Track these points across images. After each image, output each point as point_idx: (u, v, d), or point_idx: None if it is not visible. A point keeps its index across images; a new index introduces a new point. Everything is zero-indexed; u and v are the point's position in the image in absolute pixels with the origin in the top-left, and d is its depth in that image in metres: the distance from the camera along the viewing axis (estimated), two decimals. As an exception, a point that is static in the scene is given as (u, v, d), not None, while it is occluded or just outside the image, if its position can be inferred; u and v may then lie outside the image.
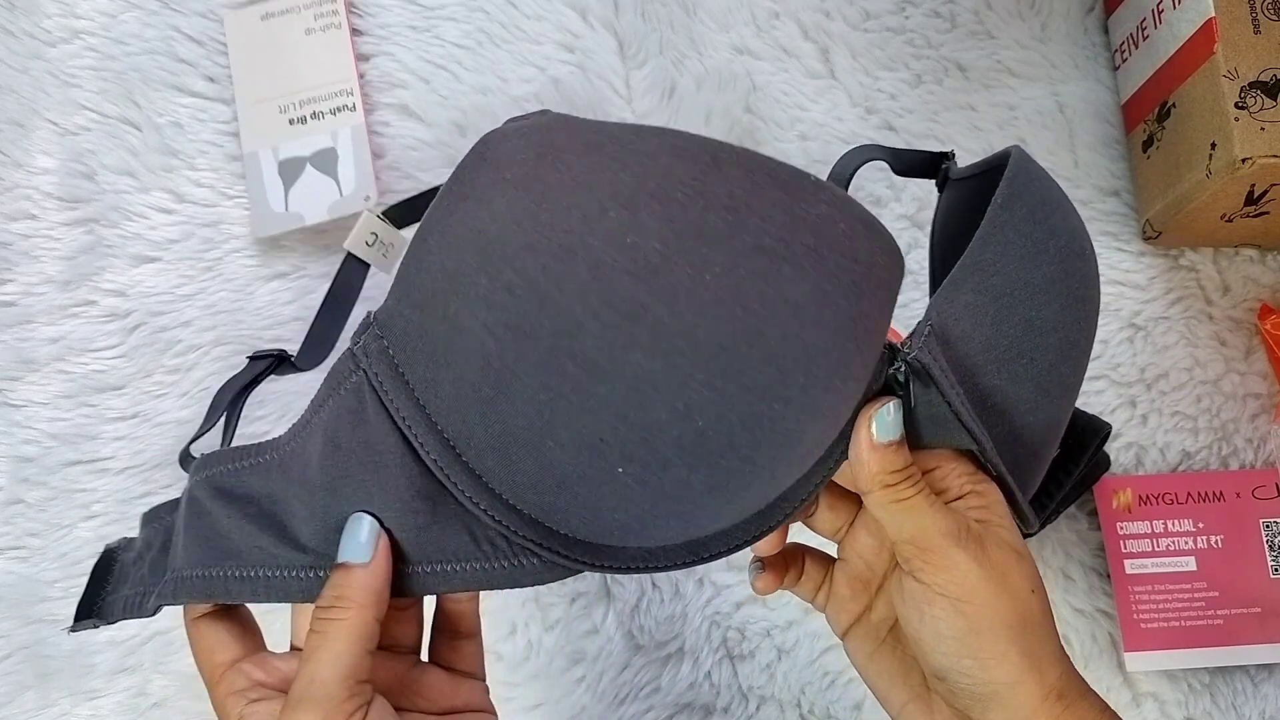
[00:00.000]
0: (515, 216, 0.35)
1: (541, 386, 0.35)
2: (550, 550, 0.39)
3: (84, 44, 0.67)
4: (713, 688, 0.61)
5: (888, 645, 0.45)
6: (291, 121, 0.65)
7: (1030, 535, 0.59)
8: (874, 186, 0.66)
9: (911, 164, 0.53)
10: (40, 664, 0.60)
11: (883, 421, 0.40)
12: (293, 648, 0.42)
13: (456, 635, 0.45)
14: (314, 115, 0.65)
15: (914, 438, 0.41)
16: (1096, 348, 0.65)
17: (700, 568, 0.62)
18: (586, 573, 0.45)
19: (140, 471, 0.62)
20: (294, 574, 0.40)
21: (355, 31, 0.67)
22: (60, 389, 0.63)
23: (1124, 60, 0.67)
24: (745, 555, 0.62)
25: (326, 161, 0.64)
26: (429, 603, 0.46)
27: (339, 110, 0.65)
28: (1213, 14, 0.57)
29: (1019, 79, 0.68)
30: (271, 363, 0.45)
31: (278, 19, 0.66)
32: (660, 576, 0.62)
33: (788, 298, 0.34)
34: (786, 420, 0.36)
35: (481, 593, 0.61)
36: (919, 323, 0.41)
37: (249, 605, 0.42)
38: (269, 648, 0.42)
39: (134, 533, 0.62)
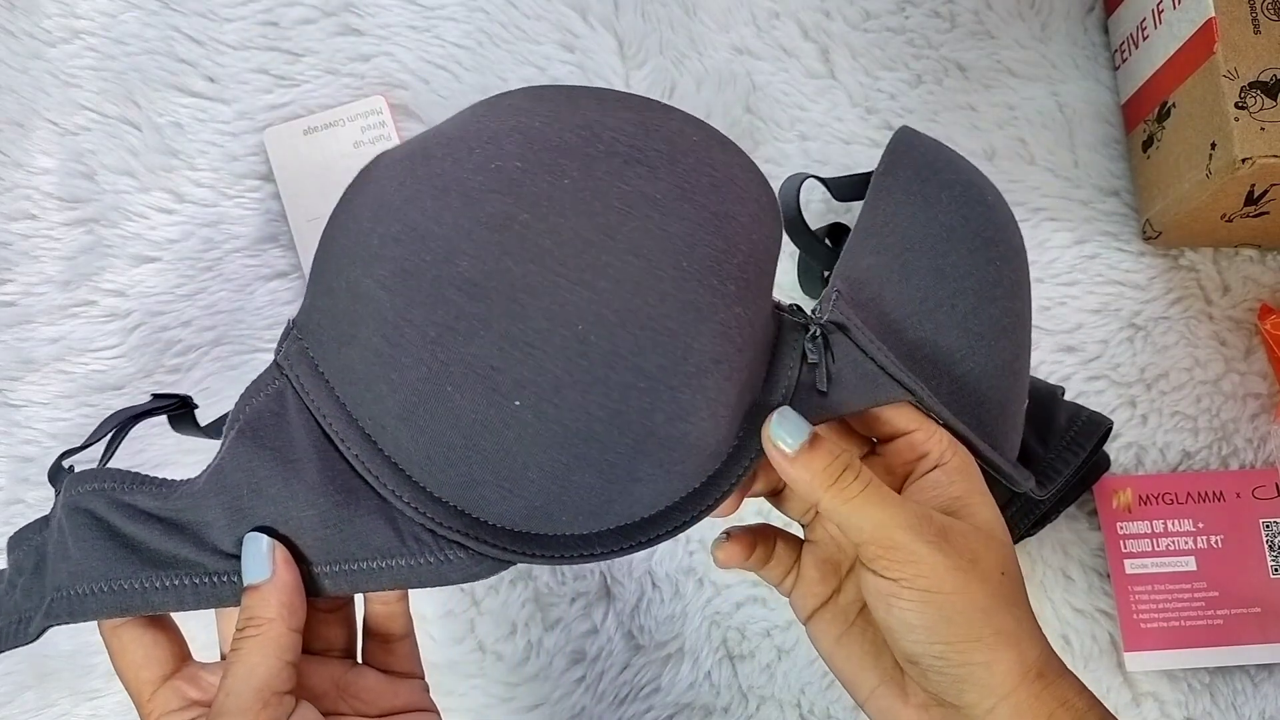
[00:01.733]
0: (399, 178, 0.38)
1: (430, 324, 0.36)
2: (478, 539, 0.39)
3: (84, 44, 0.67)
4: (713, 688, 0.61)
5: (857, 628, 0.44)
6: None
7: (1033, 531, 0.59)
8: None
9: (845, 188, 0.54)
10: (40, 664, 0.60)
11: (780, 431, 0.39)
12: (223, 656, 0.42)
13: (389, 638, 0.45)
14: None
15: (850, 402, 0.41)
16: (1096, 347, 0.65)
17: (700, 567, 0.62)
18: (527, 565, 0.44)
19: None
20: (224, 579, 0.40)
21: (356, 32, 0.67)
22: (60, 389, 0.63)
23: (1124, 60, 0.67)
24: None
25: None
26: (360, 603, 0.45)
27: None
28: (1213, 14, 0.57)
29: (1019, 79, 0.68)
30: (173, 404, 0.45)
31: (322, 133, 0.65)
32: (660, 576, 0.62)
33: (645, 193, 0.36)
34: (667, 319, 0.36)
35: (478, 588, 0.61)
36: (824, 291, 0.42)
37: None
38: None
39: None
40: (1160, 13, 0.62)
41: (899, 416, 0.43)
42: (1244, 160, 0.55)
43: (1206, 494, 0.62)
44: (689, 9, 0.68)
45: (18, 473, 0.62)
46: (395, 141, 0.65)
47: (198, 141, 0.66)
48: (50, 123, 0.66)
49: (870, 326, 0.42)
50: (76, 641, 0.60)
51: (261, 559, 0.38)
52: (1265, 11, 0.57)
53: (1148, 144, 0.64)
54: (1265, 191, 0.58)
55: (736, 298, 0.38)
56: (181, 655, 0.41)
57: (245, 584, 0.38)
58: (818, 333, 0.41)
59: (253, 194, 0.65)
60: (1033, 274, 0.66)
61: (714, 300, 0.37)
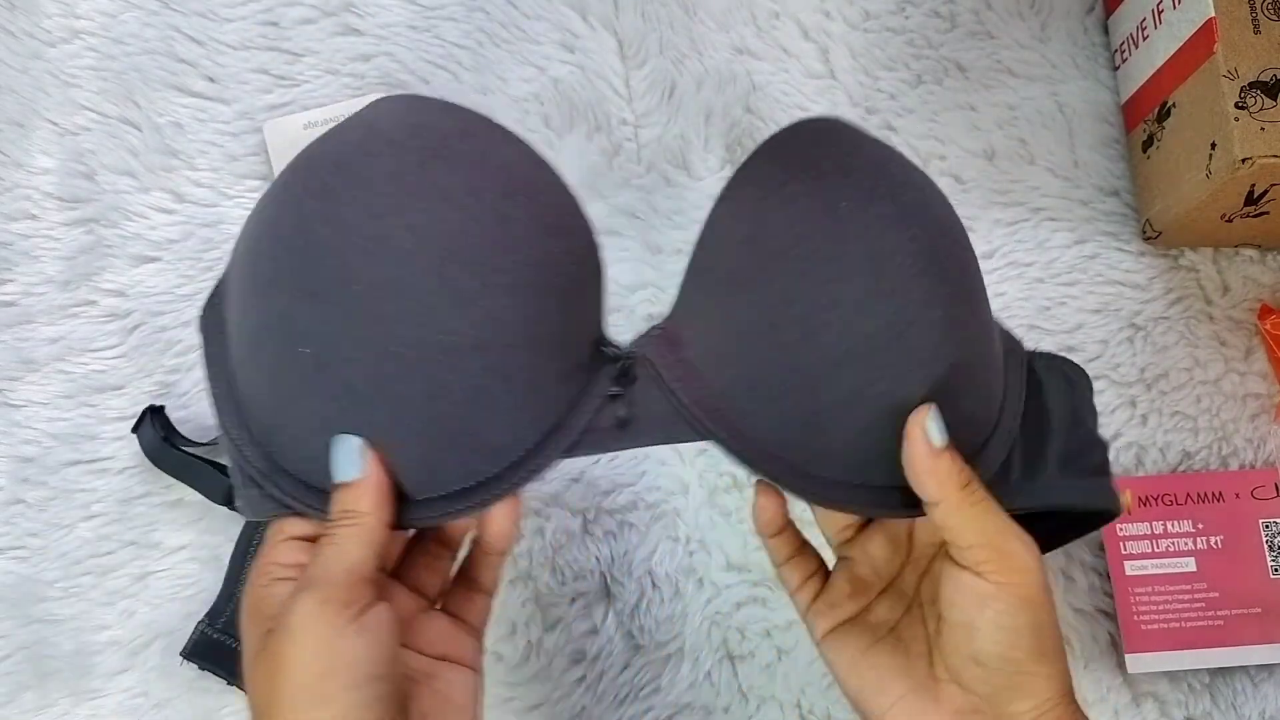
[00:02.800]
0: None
1: (253, 276, 0.42)
2: (268, 480, 0.42)
3: (84, 44, 0.67)
4: (713, 688, 0.61)
5: (887, 642, 0.45)
6: None
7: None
8: (874, 186, 0.66)
9: None
10: (40, 664, 0.60)
11: (933, 425, 0.40)
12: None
13: (473, 587, 0.47)
14: None
15: (651, 439, 0.42)
16: (1096, 347, 0.65)
17: (700, 567, 0.62)
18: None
19: (140, 471, 0.62)
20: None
21: (355, 32, 0.67)
22: (60, 389, 0.63)
23: (1124, 60, 0.67)
24: (745, 555, 0.62)
25: None
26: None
27: None
28: (1212, 14, 0.57)
29: (1019, 79, 0.68)
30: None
31: (321, 128, 0.64)
32: (660, 576, 0.62)
33: (438, 183, 0.39)
34: (428, 294, 0.39)
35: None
36: (651, 327, 0.43)
37: None
38: None
39: (130, 530, 0.62)
40: (1160, 13, 0.62)
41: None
42: (1244, 160, 0.55)
43: (1206, 495, 0.62)
44: (689, 9, 0.68)
45: (18, 473, 0.62)
46: (395, 141, 0.65)
47: (198, 141, 0.66)
48: (50, 123, 0.66)
49: (689, 361, 0.43)
50: (77, 641, 0.60)
51: (354, 458, 0.40)
52: (1265, 11, 0.57)
53: (1148, 144, 0.64)
54: (1265, 191, 0.58)
55: (506, 289, 0.39)
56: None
57: (337, 481, 0.40)
58: (625, 366, 0.42)
59: (253, 194, 0.65)
60: (1033, 274, 0.66)
61: (475, 287, 0.39)
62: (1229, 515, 0.62)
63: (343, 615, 0.39)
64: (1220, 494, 0.62)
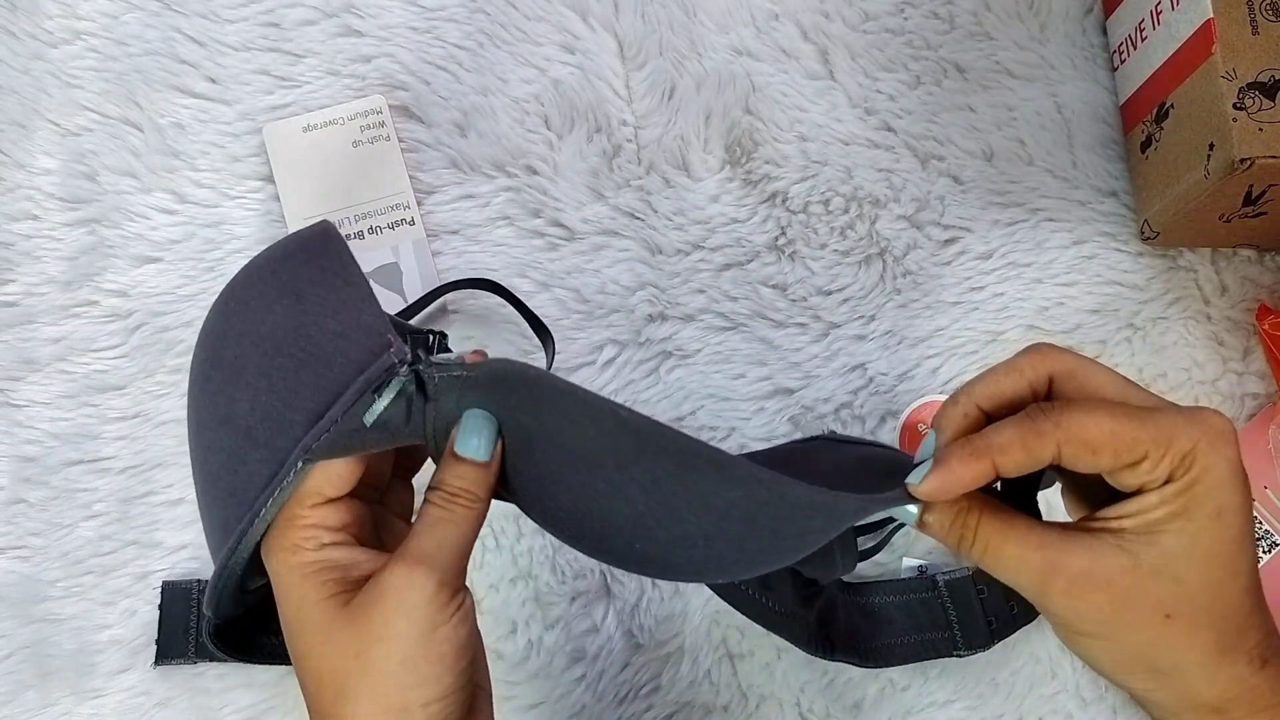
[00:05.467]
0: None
1: None
2: None
3: (85, 45, 0.67)
4: (712, 687, 0.61)
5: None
6: (348, 237, 0.64)
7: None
8: (873, 187, 0.67)
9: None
10: (42, 663, 0.61)
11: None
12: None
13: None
14: (371, 230, 0.64)
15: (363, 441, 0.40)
16: (1095, 348, 0.65)
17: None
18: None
19: (141, 471, 0.63)
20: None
21: (356, 34, 0.68)
22: (62, 389, 0.63)
23: (1122, 61, 0.67)
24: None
25: (390, 277, 0.64)
26: None
27: (397, 224, 0.64)
28: (1211, 15, 0.57)
29: (1018, 80, 0.68)
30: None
31: (321, 131, 0.65)
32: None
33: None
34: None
35: (479, 588, 0.62)
36: (468, 356, 0.42)
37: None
38: None
39: (132, 530, 0.62)
40: (1159, 14, 0.62)
41: (1088, 424, 0.37)
42: (1242, 161, 0.56)
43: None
44: (689, 10, 0.68)
45: (20, 472, 0.62)
46: (394, 142, 0.65)
47: (199, 142, 0.66)
48: (52, 123, 0.66)
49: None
50: (79, 641, 0.61)
51: (489, 441, 0.40)
52: (1263, 12, 0.57)
53: (1146, 144, 0.65)
54: (1263, 192, 0.59)
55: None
56: (352, 485, 0.42)
57: (466, 456, 0.40)
58: (407, 372, 0.40)
59: (254, 195, 0.66)
60: (1031, 274, 0.66)
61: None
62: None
63: (453, 600, 0.39)
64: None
